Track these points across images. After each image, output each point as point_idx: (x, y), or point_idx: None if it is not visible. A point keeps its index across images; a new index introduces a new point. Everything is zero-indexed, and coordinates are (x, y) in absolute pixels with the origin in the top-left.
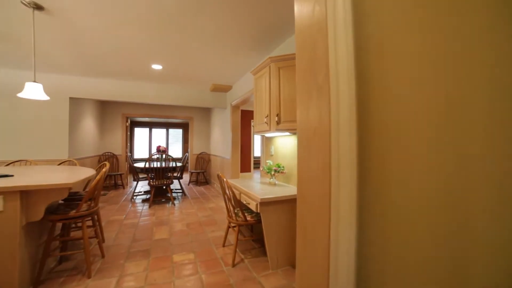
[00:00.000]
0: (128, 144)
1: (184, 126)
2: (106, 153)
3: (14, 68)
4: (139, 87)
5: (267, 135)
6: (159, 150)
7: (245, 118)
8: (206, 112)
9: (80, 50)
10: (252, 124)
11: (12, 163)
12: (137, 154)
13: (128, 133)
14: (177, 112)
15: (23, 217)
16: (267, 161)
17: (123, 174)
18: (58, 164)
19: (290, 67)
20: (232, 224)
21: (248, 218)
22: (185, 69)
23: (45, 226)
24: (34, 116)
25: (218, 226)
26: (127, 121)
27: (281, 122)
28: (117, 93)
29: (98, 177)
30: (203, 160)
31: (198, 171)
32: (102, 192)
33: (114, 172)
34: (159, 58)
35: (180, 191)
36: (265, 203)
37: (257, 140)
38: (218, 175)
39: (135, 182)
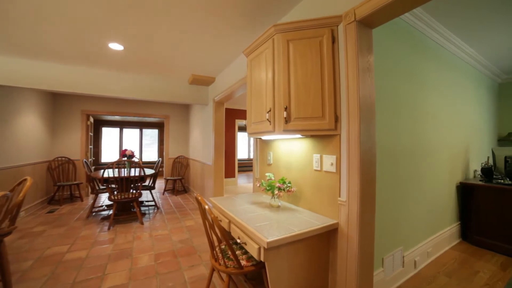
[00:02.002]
0: (91, 147)
1: (160, 126)
2: (59, 158)
3: None
4: (99, 77)
5: (268, 137)
6: (125, 154)
7: (228, 117)
8: (184, 110)
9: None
10: (237, 124)
11: None
12: (105, 158)
13: (91, 133)
14: (151, 109)
15: None
16: (268, 174)
17: (81, 183)
18: None
19: (305, 39)
20: (220, 271)
21: (244, 262)
22: (155, 53)
23: None
24: None
25: (199, 257)
26: (88, 120)
27: (292, 120)
28: (69, 82)
29: None
30: (181, 165)
31: (174, 178)
32: (49, 209)
33: (70, 182)
34: (118, 35)
35: (152, 203)
36: (274, 248)
37: (240, 140)
38: (196, 199)
39: (94, 195)
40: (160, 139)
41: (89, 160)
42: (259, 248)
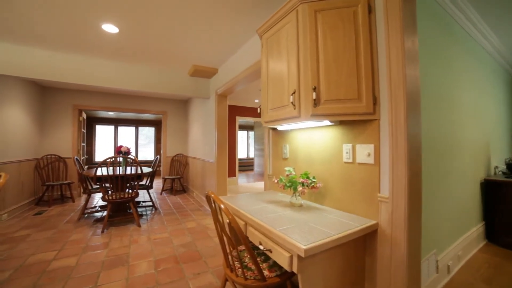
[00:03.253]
0: (83, 144)
1: (157, 124)
2: (48, 156)
3: None
4: (90, 65)
5: (289, 126)
6: (120, 151)
7: (229, 114)
8: (182, 105)
9: None
10: (238, 122)
11: None
12: (99, 158)
13: (84, 130)
14: (148, 105)
15: None
16: (287, 168)
17: (72, 183)
18: None
19: (336, 9)
20: (237, 284)
21: (266, 272)
22: (152, 38)
23: None
24: None
25: (204, 263)
26: (80, 115)
27: (321, 102)
28: (57, 70)
29: None
30: (180, 163)
31: (173, 177)
32: (37, 211)
33: (60, 181)
34: (112, 13)
35: (150, 203)
36: (310, 256)
37: (239, 139)
38: (207, 196)
39: (86, 195)
40: (157, 137)
41: (82, 158)
42: (291, 257)
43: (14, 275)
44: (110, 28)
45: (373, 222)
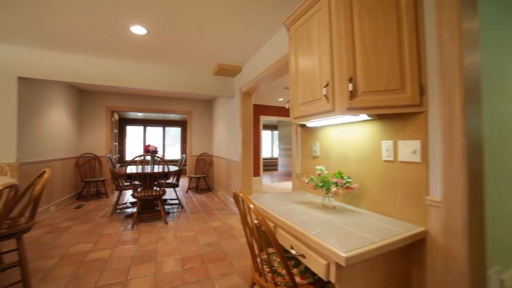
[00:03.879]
0: (116, 144)
1: (183, 124)
2: (86, 155)
3: None
4: (120, 67)
5: (321, 122)
6: (148, 150)
7: (253, 113)
8: (207, 105)
9: (27, 4)
10: (262, 121)
11: None
12: (129, 157)
13: (116, 130)
14: (174, 105)
15: None
16: (319, 167)
17: (106, 180)
18: None
19: None
20: None
21: (298, 279)
22: (179, 39)
23: None
24: None
25: (230, 263)
26: (113, 116)
27: (358, 94)
28: (91, 74)
29: None
30: (205, 162)
31: (198, 176)
32: (77, 204)
33: (96, 178)
34: (141, 14)
35: (176, 201)
36: (351, 265)
37: (263, 138)
38: (235, 195)
39: (118, 192)
40: (183, 137)
41: (114, 157)
42: (327, 265)
43: (59, 262)
44: (138, 29)
45: (421, 229)
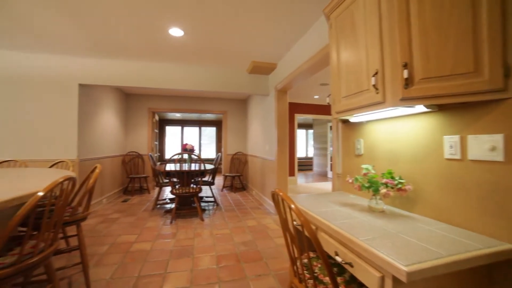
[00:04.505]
0: (156, 143)
1: (218, 124)
2: (131, 153)
3: (3, 48)
4: (160, 69)
5: (371, 115)
6: (185, 149)
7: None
8: (242, 105)
9: (80, 19)
10: (296, 119)
11: None
12: (168, 155)
13: (156, 130)
14: (209, 105)
15: None
16: (365, 166)
17: (148, 176)
18: (50, 166)
19: None
20: None
21: None
22: (214, 38)
23: None
24: (36, 107)
25: (265, 264)
26: (154, 117)
27: (415, 82)
28: (134, 77)
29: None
30: (239, 161)
31: (233, 174)
32: (124, 198)
33: (139, 175)
34: (178, 17)
35: (212, 199)
36: (413, 282)
37: (298, 138)
38: (274, 194)
39: (158, 188)
40: (218, 136)
41: (155, 155)
42: (382, 278)
43: (109, 250)
44: (176, 31)
45: (508, 246)
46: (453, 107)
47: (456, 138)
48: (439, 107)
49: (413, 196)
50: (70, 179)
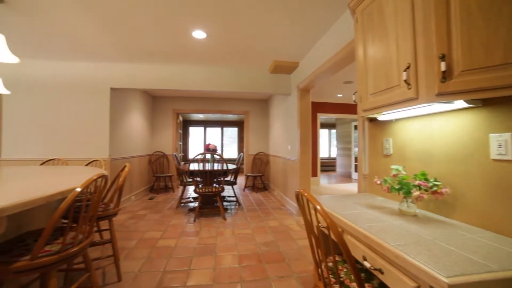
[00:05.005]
0: (180, 143)
1: (239, 124)
2: (157, 153)
3: (47, 59)
4: (184, 71)
5: (401, 112)
6: (208, 148)
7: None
8: (263, 105)
9: (112, 28)
10: (319, 119)
11: (45, 162)
12: (192, 155)
13: (180, 131)
14: (231, 106)
15: None
16: (395, 167)
17: (172, 176)
18: (86, 165)
19: None
20: None
21: None
22: (236, 38)
23: None
24: (74, 110)
25: (288, 266)
26: (178, 118)
27: (454, 75)
28: (160, 80)
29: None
30: (261, 161)
31: (255, 174)
32: (150, 196)
33: (164, 174)
34: (201, 20)
35: (234, 199)
36: None
37: (321, 138)
38: (298, 194)
39: (182, 187)
40: (239, 136)
41: (179, 155)
42: None
43: (137, 245)
44: (199, 34)
45: None
46: (502, 102)
47: (506, 136)
48: (484, 102)
49: (451, 200)
50: (102, 176)
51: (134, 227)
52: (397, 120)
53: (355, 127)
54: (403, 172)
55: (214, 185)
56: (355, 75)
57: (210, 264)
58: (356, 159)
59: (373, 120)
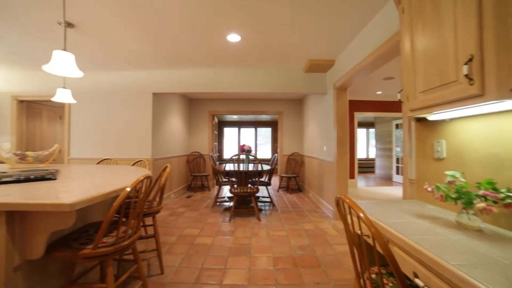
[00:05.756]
0: (215, 144)
1: (273, 125)
2: (194, 153)
3: (103, 70)
4: (219, 75)
5: (459, 111)
6: (243, 149)
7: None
8: (297, 105)
9: (155, 40)
10: (356, 118)
11: (101, 161)
12: (226, 155)
13: (216, 132)
14: (265, 106)
15: (16, 253)
16: (450, 173)
17: (208, 175)
18: (133, 164)
19: None
20: None
21: None
22: (270, 39)
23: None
24: (122, 115)
25: (324, 272)
26: (213, 119)
27: None
28: (196, 83)
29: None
30: (295, 162)
31: (289, 175)
32: (188, 194)
33: (201, 173)
34: (236, 24)
35: (268, 199)
36: None
37: (359, 138)
38: (338, 200)
39: (218, 187)
40: (273, 137)
41: (214, 155)
42: None
43: (176, 241)
44: (233, 37)
45: None
46: None
47: None
48: None
49: None
50: (148, 177)
51: (174, 224)
52: (451, 119)
53: (397, 125)
54: (462, 179)
55: (249, 185)
56: (397, 71)
57: (245, 265)
58: (398, 160)
59: (421, 120)
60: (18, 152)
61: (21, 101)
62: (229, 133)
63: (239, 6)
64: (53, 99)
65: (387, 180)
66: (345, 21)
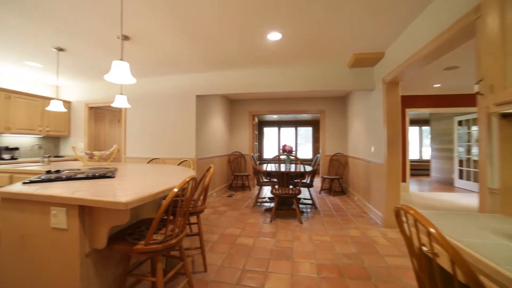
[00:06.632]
0: (256, 144)
1: (314, 124)
2: (235, 153)
3: (152, 76)
4: (259, 75)
5: None
6: (284, 150)
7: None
8: (340, 103)
9: (198, 44)
10: (408, 115)
11: (151, 160)
12: (266, 155)
13: (256, 132)
14: (306, 105)
15: (86, 242)
16: None
17: (249, 175)
18: (179, 164)
19: None
20: None
21: None
22: (312, 34)
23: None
24: (169, 117)
25: (374, 286)
26: (253, 120)
27: None
28: (237, 84)
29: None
30: (339, 163)
31: (332, 177)
32: (229, 193)
33: (242, 173)
34: (277, 21)
35: (310, 201)
36: None
37: (410, 137)
38: (399, 210)
39: (259, 187)
40: (314, 136)
41: (255, 155)
42: None
43: (218, 239)
44: (274, 36)
45: None
46: None
47: None
48: None
49: None
50: (193, 178)
51: (216, 222)
52: None
53: (460, 122)
54: None
55: (291, 186)
56: (463, 59)
57: (287, 270)
58: (460, 162)
59: (508, 116)
60: (88, 151)
61: (91, 108)
62: (269, 133)
63: (279, 4)
64: (113, 104)
65: (447, 185)
66: (396, 9)
